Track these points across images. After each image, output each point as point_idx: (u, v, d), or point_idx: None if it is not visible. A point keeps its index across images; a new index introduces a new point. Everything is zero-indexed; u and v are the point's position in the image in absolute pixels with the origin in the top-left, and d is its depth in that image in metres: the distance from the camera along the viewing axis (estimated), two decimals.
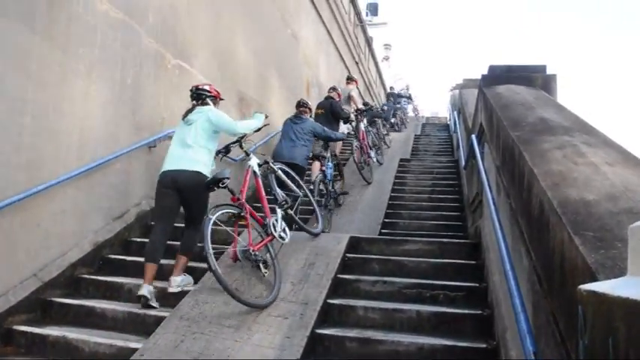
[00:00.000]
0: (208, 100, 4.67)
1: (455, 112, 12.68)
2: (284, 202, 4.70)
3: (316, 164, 6.74)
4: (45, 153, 4.29)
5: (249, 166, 4.61)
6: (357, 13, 19.58)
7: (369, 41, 22.62)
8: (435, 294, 4.18)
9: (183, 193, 4.32)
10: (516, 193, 2.81)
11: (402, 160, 10.39)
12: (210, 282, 4.14)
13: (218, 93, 4.84)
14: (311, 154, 6.57)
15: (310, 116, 7.05)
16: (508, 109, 3.76)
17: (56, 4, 4.38)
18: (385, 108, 15.86)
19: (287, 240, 4.44)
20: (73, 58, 4.57)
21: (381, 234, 6.41)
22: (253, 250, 3.97)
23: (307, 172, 6.91)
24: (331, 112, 8.33)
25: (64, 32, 4.47)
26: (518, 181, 2.71)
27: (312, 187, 6.14)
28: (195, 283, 4.30)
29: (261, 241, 4.17)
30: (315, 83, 12.78)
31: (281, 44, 10.24)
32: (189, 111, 4.56)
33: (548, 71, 4.82)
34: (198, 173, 4.30)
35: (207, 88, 4.76)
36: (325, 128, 6.88)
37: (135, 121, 5.48)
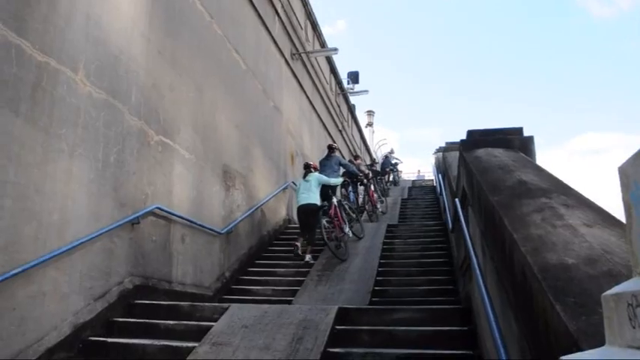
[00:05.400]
0: (312, 170, 9.06)
1: (439, 175, 12.88)
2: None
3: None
4: (24, 234, 4.25)
5: (333, 202, 9.11)
6: (339, 82, 20.20)
7: (351, 109, 23.23)
8: None
9: (308, 214, 8.53)
10: (500, 258, 2.82)
11: (389, 225, 10.43)
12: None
13: (317, 165, 9.62)
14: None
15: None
16: (487, 173, 3.84)
17: (40, 88, 4.49)
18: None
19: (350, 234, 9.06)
20: (55, 138, 4.64)
21: (371, 303, 6.32)
22: (336, 236, 8.52)
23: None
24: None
25: (47, 114, 4.56)
26: (501, 246, 2.73)
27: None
28: None
29: (341, 234, 8.72)
30: (299, 153, 12.98)
31: (264, 116, 10.48)
32: (305, 175, 9.00)
33: (525, 133, 4.96)
34: (315, 204, 8.55)
35: (312, 164, 9.30)
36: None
37: (117, 199, 5.48)
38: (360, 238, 9.32)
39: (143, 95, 6.07)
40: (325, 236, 8.16)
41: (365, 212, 12.33)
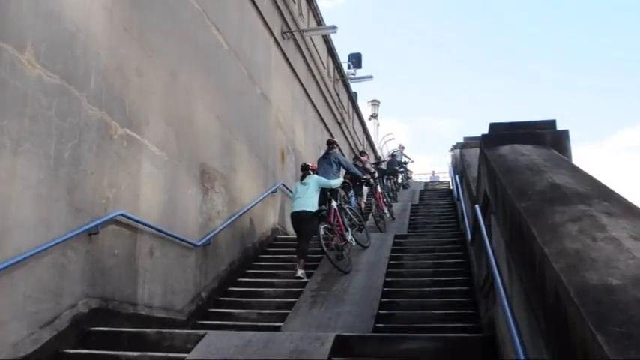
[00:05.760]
0: (311, 172, 9.44)
1: (457, 177, 12.87)
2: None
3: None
4: None
5: (333, 206, 9.40)
6: (338, 66, 20.15)
7: (352, 98, 23.20)
8: None
9: (301, 222, 8.90)
10: (528, 276, 2.78)
11: (397, 236, 10.40)
12: None
13: (315, 166, 10.00)
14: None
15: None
16: (513, 175, 3.80)
17: None
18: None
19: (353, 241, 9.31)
20: None
21: (375, 329, 6.28)
22: (337, 244, 8.74)
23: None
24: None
25: None
26: (529, 262, 2.68)
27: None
28: None
29: (343, 242, 8.95)
30: (291, 150, 12.93)
31: (249, 106, 10.44)
32: (303, 177, 9.38)
33: (559, 127, 4.92)
34: (310, 212, 8.89)
35: (310, 165, 9.72)
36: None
37: (72, 203, 5.41)
38: (365, 247, 9.52)
39: (105, 80, 6.02)
40: (324, 246, 8.25)
41: (371, 216, 12.34)
